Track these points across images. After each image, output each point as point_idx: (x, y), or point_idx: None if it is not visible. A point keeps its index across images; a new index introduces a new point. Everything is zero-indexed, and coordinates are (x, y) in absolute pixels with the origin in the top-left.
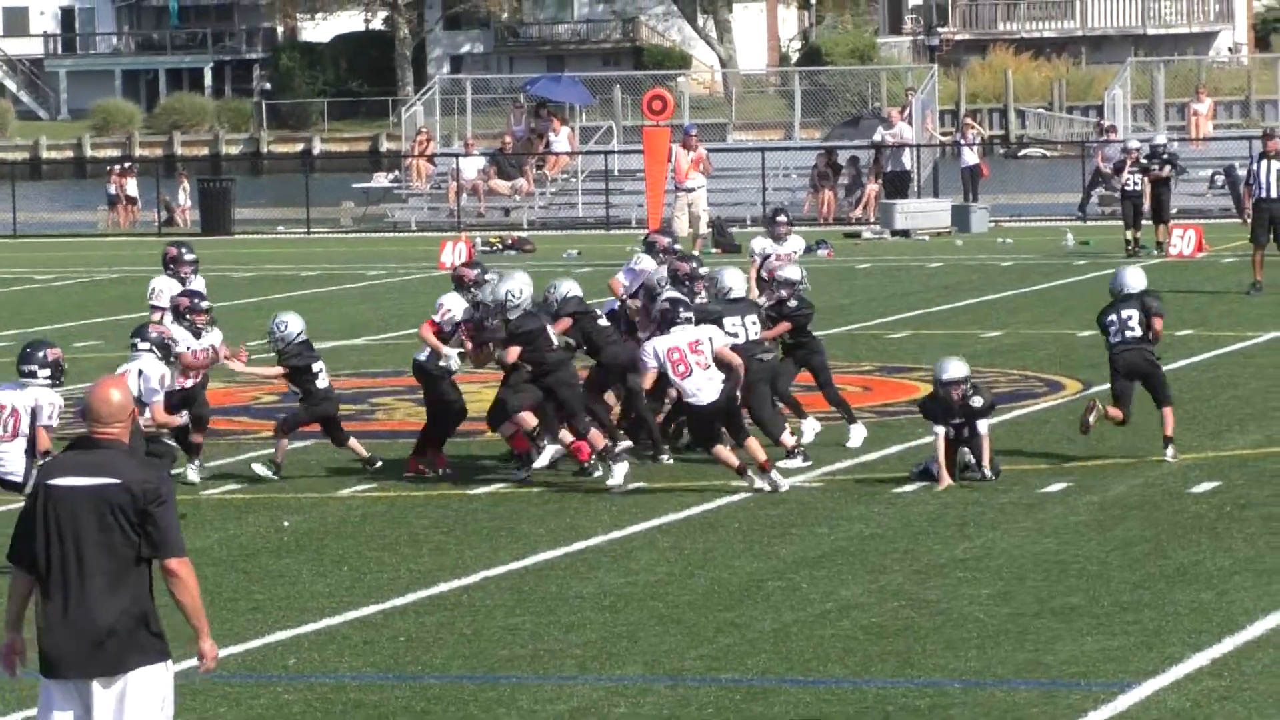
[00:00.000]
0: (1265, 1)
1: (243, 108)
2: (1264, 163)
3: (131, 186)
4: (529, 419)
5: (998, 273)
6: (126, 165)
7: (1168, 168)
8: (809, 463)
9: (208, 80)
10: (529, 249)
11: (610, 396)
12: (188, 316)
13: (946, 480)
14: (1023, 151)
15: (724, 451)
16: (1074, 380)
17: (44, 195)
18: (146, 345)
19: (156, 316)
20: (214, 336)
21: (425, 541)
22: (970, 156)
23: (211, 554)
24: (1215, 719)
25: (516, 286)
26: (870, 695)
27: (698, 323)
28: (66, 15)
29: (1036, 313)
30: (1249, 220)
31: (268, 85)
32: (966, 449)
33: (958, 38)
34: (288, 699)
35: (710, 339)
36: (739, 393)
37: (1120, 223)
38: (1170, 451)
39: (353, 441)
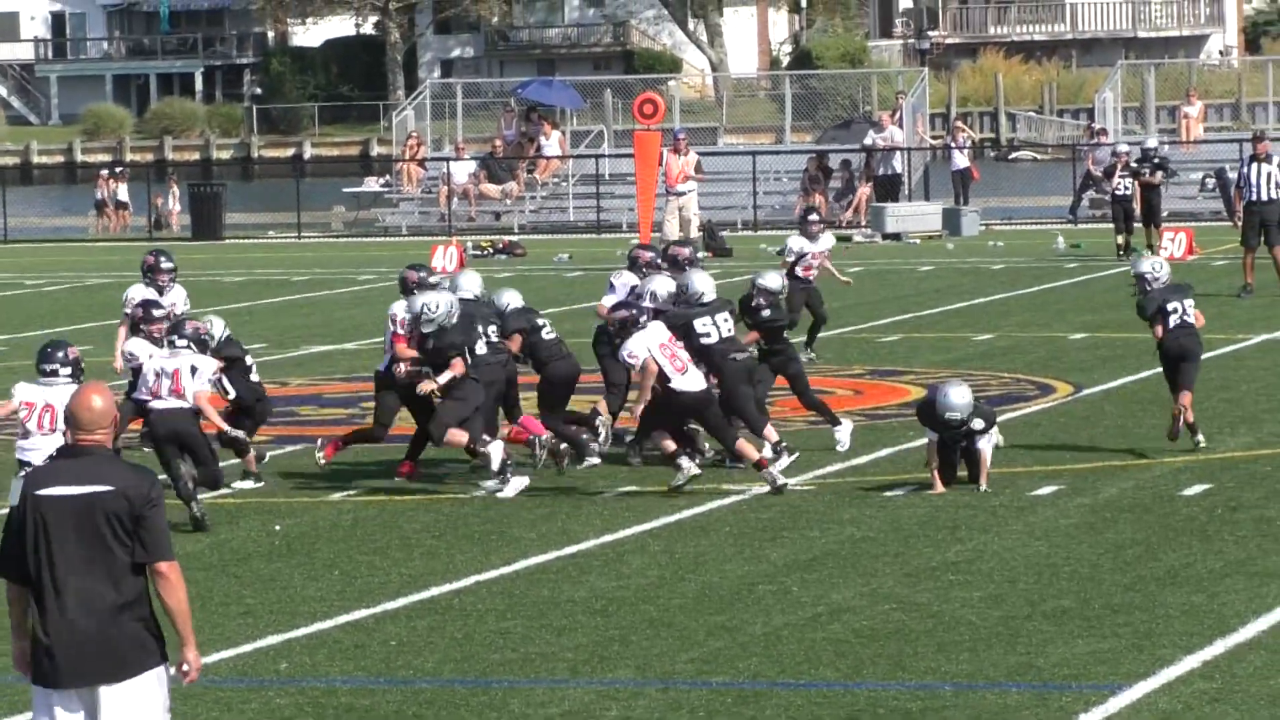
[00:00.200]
0: (1256, 4)
1: (233, 112)
2: (1254, 165)
3: (123, 192)
4: (459, 436)
5: (989, 276)
6: (118, 170)
7: (1159, 173)
8: (795, 456)
9: (198, 85)
10: (520, 253)
11: (602, 405)
12: (143, 327)
13: (940, 486)
14: (1013, 155)
15: (667, 442)
16: (1065, 383)
17: (35, 200)
18: (185, 342)
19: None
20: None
21: (416, 545)
22: (961, 160)
23: (203, 558)
24: None
25: (434, 302)
26: (862, 698)
27: (668, 326)
28: (57, 20)
29: (1027, 316)
30: (1239, 223)
31: (258, 90)
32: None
33: (948, 41)
34: (279, 703)
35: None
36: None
37: (1111, 226)
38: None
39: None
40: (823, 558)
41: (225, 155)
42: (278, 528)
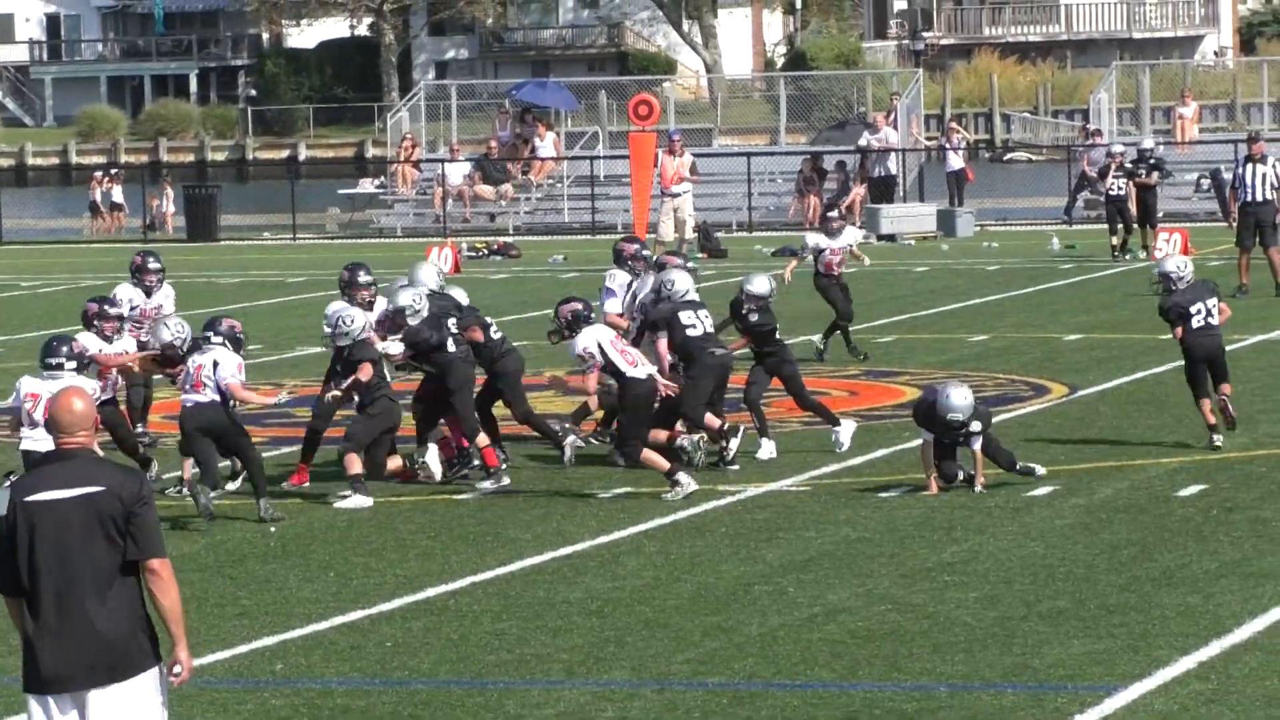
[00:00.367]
0: (1250, 5)
1: (228, 114)
2: (1249, 166)
3: (117, 193)
4: (353, 465)
5: (983, 277)
6: (113, 172)
7: (1154, 174)
8: (738, 438)
9: (193, 87)
10: (515, 254)
11: (593, 402)
12: (95, 323)
13: (934, 488)
14: (1008, 156)
15: (652, 456)
16: (1060, 384)
17: (30, 202)
18: (219, 339)
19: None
20: (127, 343)
21: (412, 546)
22: (956, 161)
23: (198, 559)
24: None
25: (349, 315)
26: (857, 699)
27: (654, 322)
28: (52, 22)
29: (1022, 317)
30: (1234, 224)
31: (253, 91)
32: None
33: (943, 42)
34: (275, 704)
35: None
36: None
37: (1105, 227)
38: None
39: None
40: (818, 558)
41: (220, 157)
42: (273, 529)
